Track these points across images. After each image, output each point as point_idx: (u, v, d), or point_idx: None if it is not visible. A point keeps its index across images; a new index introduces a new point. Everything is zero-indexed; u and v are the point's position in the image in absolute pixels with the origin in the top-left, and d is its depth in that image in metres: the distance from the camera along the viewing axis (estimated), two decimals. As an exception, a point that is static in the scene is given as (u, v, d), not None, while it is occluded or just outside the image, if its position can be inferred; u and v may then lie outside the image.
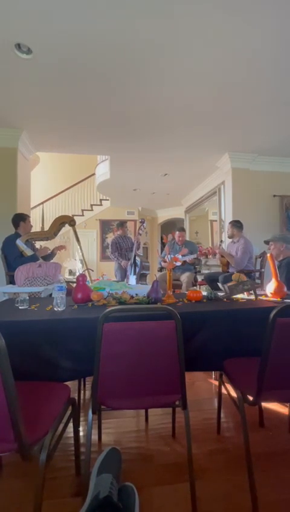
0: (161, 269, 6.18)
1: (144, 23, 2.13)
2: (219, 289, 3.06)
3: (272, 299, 1.82)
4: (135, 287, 2.16)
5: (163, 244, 8.63)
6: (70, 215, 3.62)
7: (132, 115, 3.46)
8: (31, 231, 3.37)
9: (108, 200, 8.54)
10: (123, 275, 4.79)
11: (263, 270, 3.92)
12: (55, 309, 1.50)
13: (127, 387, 1.14)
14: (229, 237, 4.09)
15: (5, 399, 0.81)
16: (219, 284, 3.47)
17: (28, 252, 3.02)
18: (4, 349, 0.81)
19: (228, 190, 4.91)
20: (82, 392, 2.01)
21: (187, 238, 5.42)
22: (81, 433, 1.52)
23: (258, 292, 1.91)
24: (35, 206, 7.81)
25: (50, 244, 3.44)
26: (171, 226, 9.51)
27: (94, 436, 1.54)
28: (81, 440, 1.47)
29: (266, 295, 1.90)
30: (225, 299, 1.80)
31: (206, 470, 1.31)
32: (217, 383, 2.05)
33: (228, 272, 3.84)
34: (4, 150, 3.94)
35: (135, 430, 1.66)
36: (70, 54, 2.45)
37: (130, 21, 2.11)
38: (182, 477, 1.24)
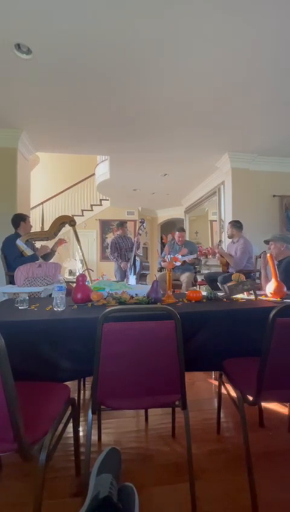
0: (160, 269, 6.17)
1: (144, 23, 2.13)
2: (219, 289, 3.07)
3: (271, 299, 1.82)
4: (134, 287, 2.16)
5: (163, 244, 8.63)
6: (70, 215, 3.62)
7: (131, 115, 3.46)
8: (31, 231, 3.37)
9: (108, 200, 8.54)
10: (123, 275, 4.79)
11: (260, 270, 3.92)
12: (55, 309, 1.50)
13: (127, 387, 1.14)
14: (229, 237, 4.09)
15: (5, 399, 0.81)
16: (219, 284, 3.48)
17: (28, 252, 3.02)
18: (4, 349, 0.81)
19: (228, 190, 4.91)
20: (82, 392, 2.01)
21: (187, 238, 5.42)
22: (81, 433, 1.52)
23: (258, 292, 1.91)
24: (35, 206, 7.81)
25: (50, 244, 3.44)
26: (171, 226, 9.50)
27: (94, 436, 1.54)
28: (81, 440, 1.47)
29: (265, 295, 1.90)
30: (224, 299, 1.80)
31: (206, 470, 1.31)
32: (216, 383, 2.05)
33: (228, 272, 3.84)
34: (4, 150, 3.94)
35: (134, 430, 1.66)
36: (70, 54, 2.45)
37: (130, 21, 2.11)
38: (182, 477, 1.24)
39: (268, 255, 2.01)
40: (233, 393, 1.28)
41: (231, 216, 4.68)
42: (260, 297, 1.85)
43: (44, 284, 2.57)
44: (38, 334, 1.29)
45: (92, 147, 4.61)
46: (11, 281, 2.89)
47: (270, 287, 1.85)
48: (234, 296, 1.84)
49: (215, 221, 5.74)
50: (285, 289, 1.83)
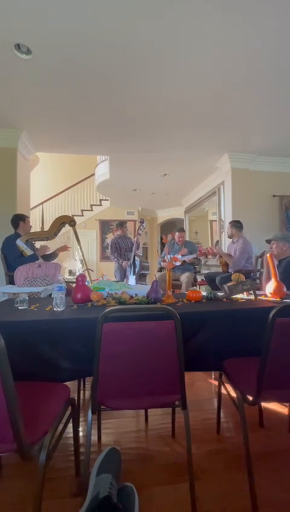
0: (160, 269, 6.18)
1: (143, 23, 2.13)
2: (219, 289, 3.07)
3: (271, 299, 1.82)
4: (134, 287, 2.16)
5: (163, 245, 8.63)
6: (70, 215, 3.62)
7: (131, 115, 3.46)
8: (31, 231, 3.37)
9: (108, 200, 8.54)
10: (123, 275, 4.79)
11: (261, 270, 3.92)
12: (54, 309, 1.50)
13: (127, 388, 1.14)
14: (229, 237, 4.10)
15: (5, 399, 0.81)
16: (218, 284, 3.49)
17: (28, 252, 3.02)
18: (4, 350, 0.81)
19: (228, 190, 4.91)
20: (82, 392, 2.01)
21: (187, 238, 5.42)
22: (80, 433, 1.52)
23: (258, 292, 1.91)
24: (35, 207, 7.81)
25: (50, 244, 3.44)
26: (171, 226, 9.51)
27: (94, 437, 1.54)
28: (81, 440, 1.47)
29: (265, 295, 1.90)
30: (224, 299, 1.80)
31: (206, 470, 1.31)
32: (216, 383, 2.05)
33: (228, 272, 3.84)
34: (4, 150, 3.94)
35: (134, 430, 1.66)
36: (70, 54, 2.45)
37: (130, 21, 2.11)
38: (182, 478, 1.23)
39: (268, 255, 2.01)
40: (233, 393, 1.28)
41: (230, 216, 4.68)
42: (260, 297, 1.85)
43: (44, 284, 2.57)
44: (38, 334, 1.29)
45: (92, 147, 4.61)
46: (11, 281, 2.89)
47: (270, 287, 1.85)
48: (234, 296, 1.84)
49: (215, 221, 5.74)
50: (285, 289, 1.83)
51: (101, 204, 8.84)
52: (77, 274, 4.27)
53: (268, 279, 2.06)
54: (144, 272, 4.47)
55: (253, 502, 1.08)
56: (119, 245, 4.95)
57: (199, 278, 4.65)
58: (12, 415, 0.82)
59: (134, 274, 4.35)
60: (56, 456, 1.35)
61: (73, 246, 5.79)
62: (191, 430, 1.16)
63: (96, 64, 2.58)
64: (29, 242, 3.17)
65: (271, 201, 4.95)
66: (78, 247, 3.39)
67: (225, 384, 1.45)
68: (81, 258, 5.28)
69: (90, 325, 1.21)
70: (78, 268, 7.38)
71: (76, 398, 1.87)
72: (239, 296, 1.87)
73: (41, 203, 8.39)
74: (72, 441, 1.36)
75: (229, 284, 1.83)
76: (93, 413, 1.14)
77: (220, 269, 4.21)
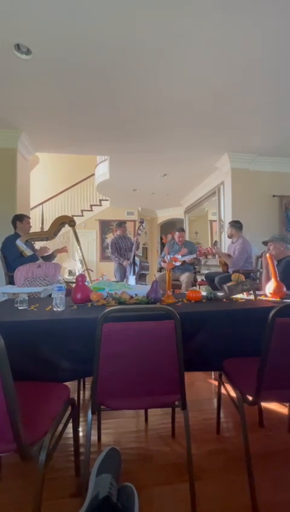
0: (160, 269, 6.18)
1: (143, 24, 2.13)
2: (219, 289, 3.07)
3: (271, 299, 1.82)
4: (134, 287, 2.16)
5: (162, 245, 8.63)
6: (70, 215, 3.62)
7: (131, 115, 3.46)
8: (31, 231, 3.37)
9: (107, 200, 8.54)
10: (123, 275, 4.79)
11: (261, 270, 3.92)
12: (54, 309, 1.50)
13: (127, 388, 1.14)
14: (229, 237, 4.10)
15: (4, 399, 0.81)
16: (217, 284, 3.49)
17: (28, 252, 3.03)
18: (3, 350, 0.81)
19: (228, 190, 4.91)
20: (81, 392, 2.01)
21: (187, 239, 5.42)
22: (80, 434, 1.52)
23: (257, 292, 1.91)
24: (35, 207, 7.81)
25: (50, 245, 3.44)
26: (170, 226, 9.50)
27: (94, 437, 1.54)
28: (81, 440, 1.47)
29: (265, 295, 1.90)
30: (224, 299, 1.80)
31: (206, 470, 1.31)
32: (216, 383, 2.05)
33: (228, 272, 3.84)
34: (4, 150, 3.94)
35: (134, 431, 1.66)
36: (69, 54, 2.45)
37: (129, 21, 2.11)
38: (182, 478, 1.24)
39: (267, 255, 2.01)
40: (233, 394, 1.28)
41: (230, 216, 4.68)
42: (260, 298, 1.85)
43: (44, 284, 2.57)
44: (38, 334, 1.29)
45: (92, 147, 4.61)
46: (10, 281, 2.89)
47: (269, 287, 1.85)
48: (234, 296, 1.84)
49: (215, 221, 5.73)
50: (284, 289, 1.83)
51: (101, 205, 8.84)
52: (77, 274, 4.27)
53: (267, 279, 2.06)
54: (143, 272, 4.47)
55: (253, 502, 1.08)
56: (119, 245, 4.95)
57: (199, 278, 4.65)
58: (12, 415, 0.82)
59: (134, 274, 4.35)
60: (56, 456, 1.35)
61: (73, 246, 5.80)
62: (191, 430, 1.16)
63: (96, 64, 2.58)
64: (29, 242, 3.17)
65: (271, 201, 4.95)
66: (78, 247, 3.39)
67: (225, 384, 1.45)
68: (81, 258, 5.28)
69: (90, 325, 1.21)
70: (78, 269, 7.38)
71: (76, 398, 1.87)
72: (239, 296, 1.87)
73: (41, 203, 8.39)
74: (72, 441, 1.36)
75: (229, 284, 1.83)
76: (93, 413, 1.13)
77: (220, 269, 4.21)
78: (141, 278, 4.44)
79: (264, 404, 1.79)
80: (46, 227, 3.77)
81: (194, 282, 4.18)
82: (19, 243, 3.02)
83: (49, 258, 3.36)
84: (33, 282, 2.57)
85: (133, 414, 1.82)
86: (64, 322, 1.34)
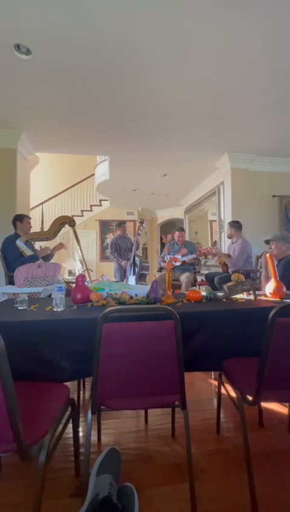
0: (160, 269, 6.17)
1: (143, 24, 2.13)
2: (219, 289, 3.07)
3: (271, 299, 1.82)
4: (134, 287, 2.16)
5: (162, 245, 8.63)
6: (70, 215, 3.62)
7: (131, 115, 3.46)
8: (31, 231, 3.37)
9: (107, 200, 8.53)
10: (122, 275, 4.79)
11: (261, 270, 3.92)
12: (54, 309, 1.50)
13: (127, 388, 1.14)
14: (229, 237, 4.10)
15: (4, 399, 0.81)
16: (216, 284, 3.49)
17: (28, 252, 3.03)
18: (3, 350, 0.81)
19: (227, 190, 4.91)
20: (81, 392, 2.01)
21: (187, 239, 5.42)
22: (80, 434, 1.52)
23: (257, 292, 1.91)
24: (34, 207, 7.81)
25: (50, 245, 3.44)
26: (170, 226, 9.50)
27: (93, 437, 1.54)
28: (81, 440, 1.47)
29: (265, 295, 1.90)
30: (224, 299, 1.80)
31: (206, 470, 1.31)
32: (216, 383, 2.05)
33: (228, 272, 3.84)
34: (3, 150, 3.94)
35: (134, 431, 1.66)
36: (70, 54, 2.45)
37: (129, 21, 2.11)
38: (182, 478, 1.24)
39: (268, 254, 2.01)
40: (233, 394, 1.28)
41: (230, 216, 4.68)
42: (260, 298, 1.85)
43: (44, 284, 2.57)
44: (38, 335, 1.29)
45: (91, 147, 4.61)
46: (10, 281, 2.89)
47: (269, 287, 1.85)
48: (234, 296, 1.84)
49: (215, 221, 5.73)
50: (284, 289, 1.83)
51: (100, 205, 8.84)
52: (77, 274, 4.27)
53: (267, 279, 2.06)
54: (143, 272, 4.46)
55: (253, 502, 1.08)
56: (119, 245, 4.95)
57: (199, 278, 4.65)
58: (12, 415, 0.82)
59: (134, 274, 4.35)
60: (56, 456, 1.36)
61: (73, 246, 5.79)
62: (191, 430, 1.16)
63: (96, 65, 2.58)
64: (29, 242, 3.17)
65: (271, 201, 4.95)
66: (78, 247, 3.39)
67: (225, 384, 1.45)
68: (80, 258, 5.28)
69: (90, 325, 1.22)
70: (78, 269, 7.38)
71: (76, 398, 1.87)
72: (239, 296, 1.87)
73: (41, 203, 8.39)
74: (72, 441, 1.36)
75: (229, 284, 1.83)
76: (93, 413, 1.13)
77: (220, 269, 4.21)
78: (141, 278, 4.43)
79: (264, 404, 1.79)
80: (46, 228, 3.77)
81: (194, 282, 4.18)
82: (19, 243, 3.02)
83: (47, 257, 3.36)
84: (33, 283, 2.57)
85: (133, 414, 1.82)
86: (64, 322, 1.34)
